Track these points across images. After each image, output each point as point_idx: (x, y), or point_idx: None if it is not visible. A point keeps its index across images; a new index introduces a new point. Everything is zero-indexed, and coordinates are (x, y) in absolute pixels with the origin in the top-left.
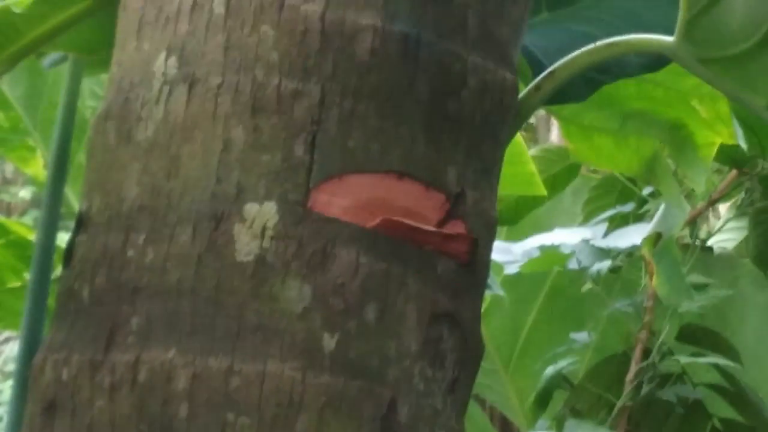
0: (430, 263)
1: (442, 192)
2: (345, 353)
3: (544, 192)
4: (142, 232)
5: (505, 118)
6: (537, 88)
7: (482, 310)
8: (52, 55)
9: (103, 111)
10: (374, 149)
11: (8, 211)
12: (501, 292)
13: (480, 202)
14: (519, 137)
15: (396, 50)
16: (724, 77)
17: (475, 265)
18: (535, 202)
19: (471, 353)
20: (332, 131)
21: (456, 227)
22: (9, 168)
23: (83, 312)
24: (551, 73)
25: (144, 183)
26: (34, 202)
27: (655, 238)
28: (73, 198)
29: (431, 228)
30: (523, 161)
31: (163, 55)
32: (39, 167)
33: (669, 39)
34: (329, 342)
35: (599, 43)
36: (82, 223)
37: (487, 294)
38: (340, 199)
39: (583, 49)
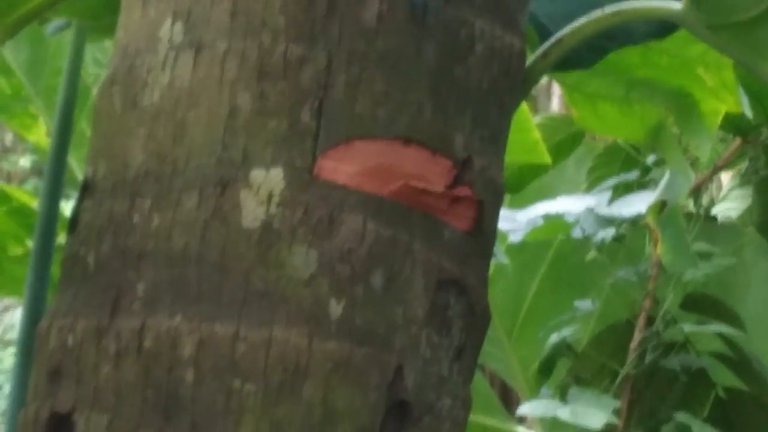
0: (437, 230)
1: (449, 158)
2: (351, 320)
3: (548, 160)
4: (147, 198)
5: (513, 84)
6: (544, 55)
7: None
8: (56, 22)
9: (109, 77)
10: (381, 115)
11: (8, 179)
12: (505, 260)
13: (487, 169)
14: (524, 104)
15: (403, 15)
16: (732, 44)
17: (481, 232)
18: (540, 170)
19: (477, 320)
20: (339, 97)
21: (463, 193)
22: (9, 136)
23: (88, 278)
24: (559, 40)
25: (149, 149)
26: (34, 171)
27: (660, 206)
28: (75, 165)
29: (439, 189)
30: (527, 128)
31: (169, 21)
32: (41, 135)
33: (677, 5)
34: (336, 308)
35: (607, 9)
36: (87, 189)
37: (491, 262)
38: (347, 165)
39: (591, 15)
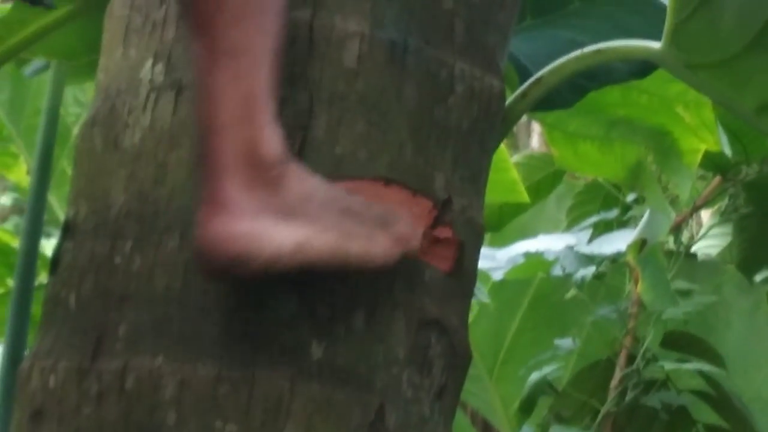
0: (418, 270)
1: (430, 198)
2: (333, 360)
3: (526, 199)
4: (129, 238)
5: (492, 124)
6: (524, 94)
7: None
8: (35, 63)
9: (90, 118)
10: (362, 156)
11: None
12: (486, 299)
13: (467, 209)
14: (502, 144)
15: (383, 57)
16: (711, 82)
17: (462, 272)
18: (519, 208)
19: (458, 360)
20: (320, 138)
21: (443, 234)
22: None
23: (70, 319)
24: (538, 79)
25: (131, 190)
26: (14, 209)
27: (640, 245)
28: (56, 204)
29: (420, 230)
30: (505, 168)
31: (149, 62)
32: (22, 174)
33: (656, 45)
34: (317, 349)
35: (586, 49)
36: (68, 229)
37: (473, 300)
38: None
39: (571, 55)
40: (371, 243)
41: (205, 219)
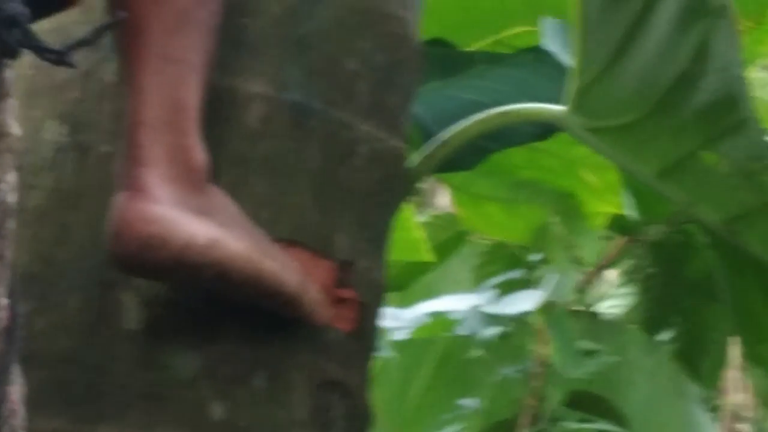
0: (320, 331)
1: (332, 260)
2: (234, 421)
3: (430, 258)
4: (32, 300)
5: (395, 185)
6: (429, 156)
7: (371, 375)
8: None
9: None
10: (264, 217)
11: None
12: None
13: (369, 271)
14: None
15: (287, 119)
16: (614, 146)
17: (363, 333)
18: (424, 268)
19: (360, 421)
20: None
21: (345, 295)
22: None
23: None
24: (444, 142)
25: (34, 251)
26: None
27: (548, 307)
28: None
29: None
30: (409, 227)
31: (54, 123)
32: None
33: (560, 108)
34: (218, 410)
35: (492, 111)
36: None
37: (379, 358)
38: None
39: (476, 117)
40: (285, 270)
41: (122, 202)
